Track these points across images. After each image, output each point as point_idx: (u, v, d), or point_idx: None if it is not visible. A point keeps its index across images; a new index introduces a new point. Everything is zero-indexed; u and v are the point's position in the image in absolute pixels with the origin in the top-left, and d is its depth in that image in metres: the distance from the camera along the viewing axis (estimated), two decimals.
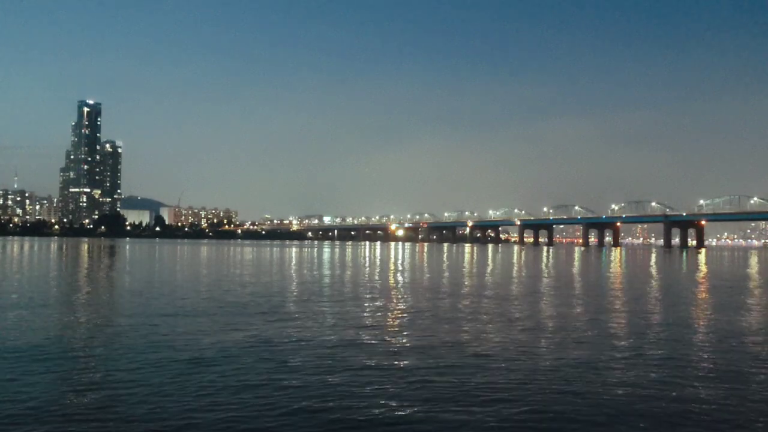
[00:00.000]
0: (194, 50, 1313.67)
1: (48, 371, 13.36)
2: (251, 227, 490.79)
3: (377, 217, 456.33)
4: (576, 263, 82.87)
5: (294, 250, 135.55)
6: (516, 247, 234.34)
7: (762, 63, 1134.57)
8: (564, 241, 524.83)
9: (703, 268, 72.90)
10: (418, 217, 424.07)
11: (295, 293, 32.46)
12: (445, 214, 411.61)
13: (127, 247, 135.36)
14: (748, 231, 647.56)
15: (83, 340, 17.48)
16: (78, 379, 12.86)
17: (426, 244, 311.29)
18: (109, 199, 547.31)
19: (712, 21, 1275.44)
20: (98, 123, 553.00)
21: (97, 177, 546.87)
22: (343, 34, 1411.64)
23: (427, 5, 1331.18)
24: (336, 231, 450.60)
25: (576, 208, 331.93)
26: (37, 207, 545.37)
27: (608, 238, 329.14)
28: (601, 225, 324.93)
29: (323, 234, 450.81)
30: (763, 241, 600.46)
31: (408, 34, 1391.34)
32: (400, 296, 31.76)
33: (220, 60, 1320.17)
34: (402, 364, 14.69)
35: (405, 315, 23.94)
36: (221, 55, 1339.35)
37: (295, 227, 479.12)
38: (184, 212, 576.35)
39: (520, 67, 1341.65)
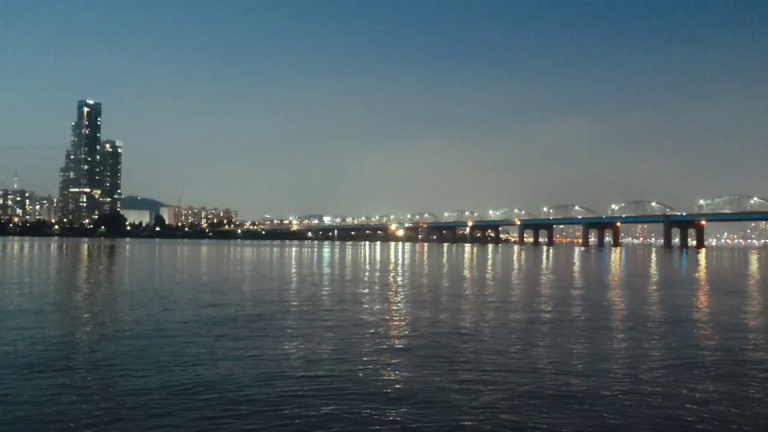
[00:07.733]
0: (194, 50, 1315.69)
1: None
2: (251, 227, 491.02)
3: (377, 217, 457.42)
4: (579, 264, 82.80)
5: (294, 250, 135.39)
6: (516, 247, 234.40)
7: (762, 63, 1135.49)
8: (564, 241, 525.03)
9: (703, 268, 72.90)
10: (418, 217, 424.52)
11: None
12: (445, 214, 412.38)
13: (127, 247, 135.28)
14: (748, 231, 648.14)
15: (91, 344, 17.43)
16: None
17: (426, 244, 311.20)
18: (109, 199, 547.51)
19: (712, 21, 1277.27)
20: (98, 123, 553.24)
21: (97, 177, 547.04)
22: (343, 34, 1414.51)
23: (427, 5, 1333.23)
24: (336, 231, 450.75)
25: (576, 208, 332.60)
26: (37, 207, 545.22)
27: (608, 238, 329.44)
28: (601, 225, 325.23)
29: (323, 234, 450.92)
30: (763, 241, 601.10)
31: (408, 34, 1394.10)
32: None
33: (221, 60, 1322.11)
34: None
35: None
36: (221, 55, 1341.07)
37: (295, 227, 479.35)
38: (184, 212, 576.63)
39: (519, 67, 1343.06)
